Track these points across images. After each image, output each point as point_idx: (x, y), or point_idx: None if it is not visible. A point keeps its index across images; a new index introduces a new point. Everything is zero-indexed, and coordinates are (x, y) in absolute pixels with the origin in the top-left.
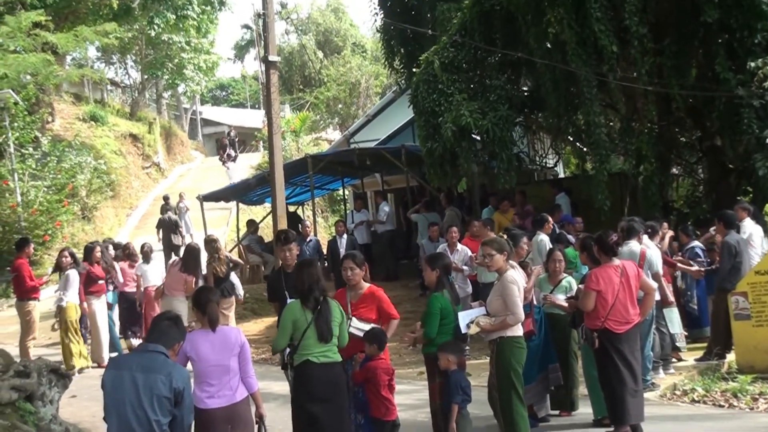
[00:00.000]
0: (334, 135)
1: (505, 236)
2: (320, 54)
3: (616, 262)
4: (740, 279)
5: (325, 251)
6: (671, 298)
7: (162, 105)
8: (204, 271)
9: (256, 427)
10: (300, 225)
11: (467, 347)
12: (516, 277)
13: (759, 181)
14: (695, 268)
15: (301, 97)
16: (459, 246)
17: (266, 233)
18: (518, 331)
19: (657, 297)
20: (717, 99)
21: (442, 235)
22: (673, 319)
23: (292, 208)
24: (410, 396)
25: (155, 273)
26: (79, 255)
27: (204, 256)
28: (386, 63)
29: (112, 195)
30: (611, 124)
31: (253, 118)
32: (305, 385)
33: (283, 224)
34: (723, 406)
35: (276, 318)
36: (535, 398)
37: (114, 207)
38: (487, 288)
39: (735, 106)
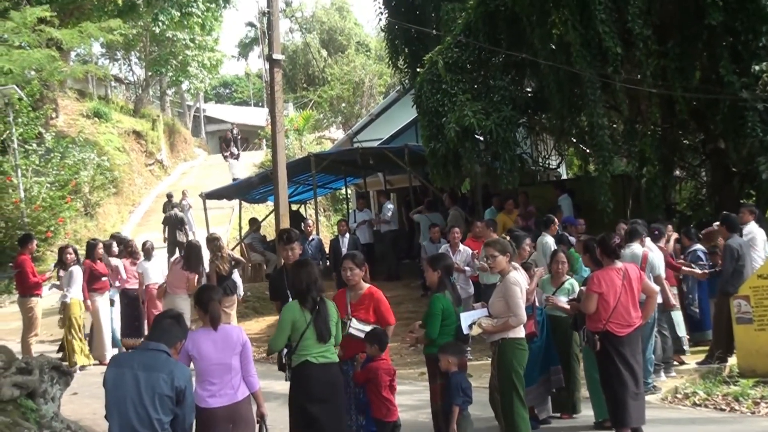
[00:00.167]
0: (338, 134)
1: (508, 237)
2: (324, 53)
3: (619, 264)
4: (743, 282)
5: (327, 250)
6: (673, 301)
7: (165, 102)
8: (207, 268)
9: (257, 426)
10: (303, 224)
11: (468, 348)
12: (518, 278)
13: (762, 185)
14: (700, 271)
15: (305, 96)
16: (461, 246)
17: (269, 232)
18: (520, 332)
19: (659, 300)
20: (721, 102)
21: (444, 236)
22: (680, 323)
23: (294, 207)
24: (411, 397)
25: (157, 270)
26: (81, 252)
27: (205, 253)
28: (390, 62)
29: (114, 192)
30: (614, 126)
31: (256, 116)
32: (304, 386)
33: (285, 223)
34: (724, 410)
35: (278, 317)
36: (536, 400)
37: (117, 204)
38: (489, 289)
39: (739, 109)
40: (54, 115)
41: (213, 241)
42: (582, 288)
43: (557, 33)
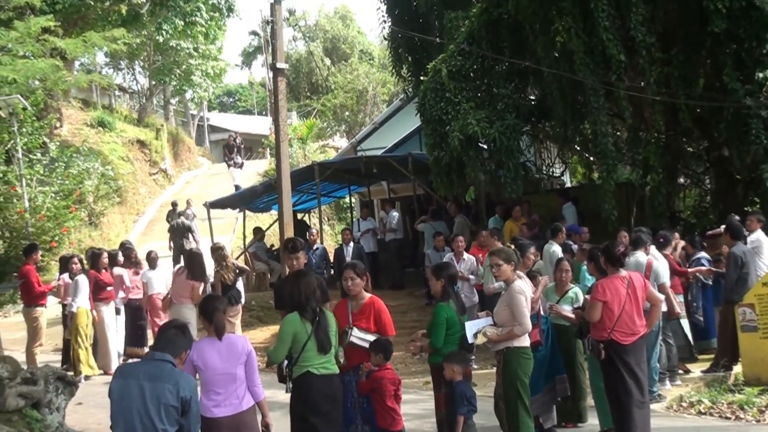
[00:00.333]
0: (341, 142)
1: (513, 246)
2: (328, 61)
3: (623, 273)
4: (747, 290)
5: (331, 259)
6: (678, 310)
7: (169, 111)
8: (211, 277)
9: None
10: (307, 233)
11: (473, 357)
12: (523, 287)
13: (766, 192)
14: (705, 267)
15: (308, 104)
16: (465, 255)
17: (273, 240)
18: (525, 341)
19: (664, 308)
20: (725, 109)
21: (448, 244)
22: (688, 330)
23: (300, 216)
24: (416, 406)
25: (160, 280)
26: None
27: (210, 263)
28: (394, 71)
29: (119, 201)
30: (618, 133)
31: (260, 125)
32: (305, 397)
33: (289, 232)
34: (729, 418)
35: None
36: (541, 409)
37: (121, 213)
38: (493, 298)
39: (743, 116)
40: (58, 124)
41: (217, 251)
42: (586, 296)
43: (560, 41)
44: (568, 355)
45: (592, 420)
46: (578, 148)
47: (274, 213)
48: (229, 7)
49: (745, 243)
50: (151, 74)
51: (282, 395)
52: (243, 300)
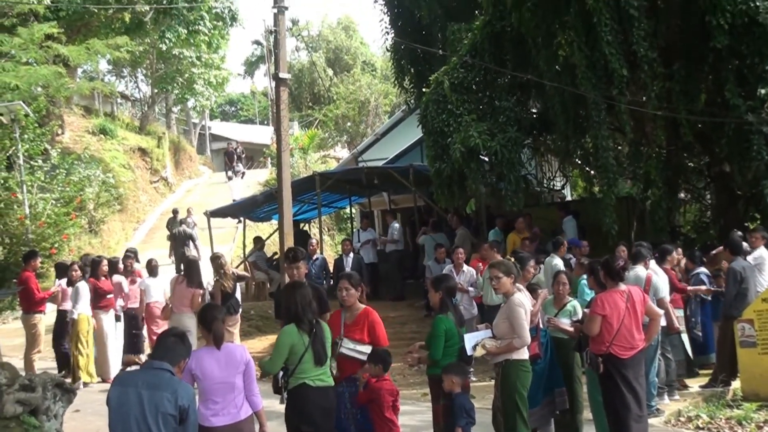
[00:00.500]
0: (343, 153)
1: (513, 259)
2: (330, 71)
3: (622, 287)
4: (746, 306)
5: (331, 269)
6: (677, 325)
7: (171, 119)
8: (210, 286)
9: None
10: (307, 243)
11: (471, 369)
12: (523, 300)
13: (767, 208)
14: (704, 287)
15: (310, 115)
16: (465, 267)
17: (273, 250)
18: (524, 354)
19: (663, 323)
20: (726, 125)
21: (449, 256)
22: (688, 344)
23: (302, 226)
24: (414, 417)
25: (159, 289)
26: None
27: (209, 273)
28: (396, 82)
29: (119, 209)
30: (619, 147)
31: (261, 134)
32: (300, 408)
33: (290, 241)
34: None
35: None
36: (539, 422)
37: (121, 221)
38: (492, 310)
39: (744, 132)
40: (60, 131)
41: (216, 260)
42: (585, 310)
43: (563, 54)
44: (566, 368)
45: None
46: (579, 162)
47: (274, 222)
48: (232, 16)
49: (746, 258)
50: (153, 82)
51: (280, 406)
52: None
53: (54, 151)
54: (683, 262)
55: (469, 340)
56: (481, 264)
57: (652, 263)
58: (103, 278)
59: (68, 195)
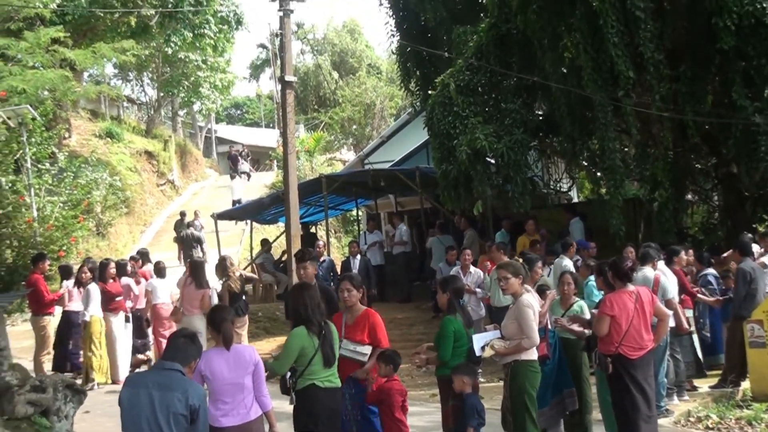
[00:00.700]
0: (349, 156)
1: (521, 260)
2: (335, 74)
3: (631, 287)
4: (756, 306)
5: (339, 272)
6: (686, 325)
7: (177, 123)
8: (218, 288)
9: None
10: (315, 245)
11: (480, 370)
12: (531, 300)
13: None
14: (713, 298)
15: (316, 117)
16: (472, 268)
17: (280, 252)
18: (533, 354)
19: (672, 324)
20: (733, 126)
21: (459, 258)
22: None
23: (311, 228)
24: (422, 418)
25: (165, 290)
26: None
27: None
28: (402, 85)
29: (126, 212)
30: (626, 149)
31: (267, 138)
32: (309, 409)
33: (297, 244)
34: None
35: None
36: (548, 422)
37: (128, 224)
38: (500, 311)
39: (752, 133)
40: (67, 135)
41: (222, 261)
42: (593, 311)
43: (569, 56)
44: (574, 369)
45: None
46: (586, 164)
47: (281, 225)
48: (237, 19)
49: (754, 259)
50: (159, 86)
51: (290, 406)
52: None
53: (61, 155)
54: (691, 259)
55: (478, 340)
56: (489, 264)
57: (661, 264)
58: (111, 281)
59: (76, 198)
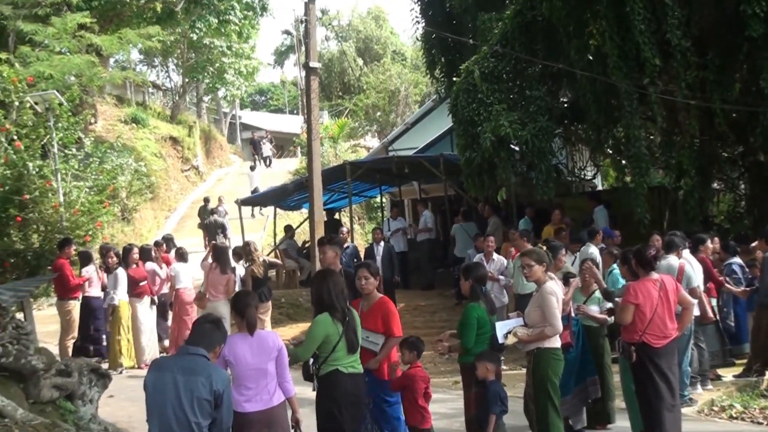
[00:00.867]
0: (373, 142)
1: (545, 247)
2: (360, 61)
3: (655, 276)
4: None
5: (362, 258)
6: (711, 314)
7: (202, 109)
8: (242, 271)
9: (292, 431)
10: (338, 231)
11: (502, 357)
12: (554, 288)
13: None
14: (740, 289)
15: (340, 104)
16: (495, 255)
17: (304, 238)
18: (556, 342)
19: (696, 312)
20: (761, 114)
21: None
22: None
23: (335, 215)
24: (444, 405)
25: (187, 275)
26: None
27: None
28: (426, 71)
29: (151, 197)
30: (651, 137)
31: (291, 124)
32: (333, 394)
33: (320, 230)
34: (761, 423)
35: None
36: (571, 411)
37: (153, 209)
38: (524, 298)
39: None
40: (93, 120)
41: (246, 247)
42: (618, 299)
43: (594, 44)
44: (596, 356)
45: (620, 422)
46: (610, 151)
47: (304, 211)
48: (262, 6)
49: None
50: (184, 72)
51: (312, 392)
52: None
53: (87, 140)
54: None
55: (501, 328)
56: (513, 250)
57: (686, 253)
58: (134, 266)
59: (101, 183)
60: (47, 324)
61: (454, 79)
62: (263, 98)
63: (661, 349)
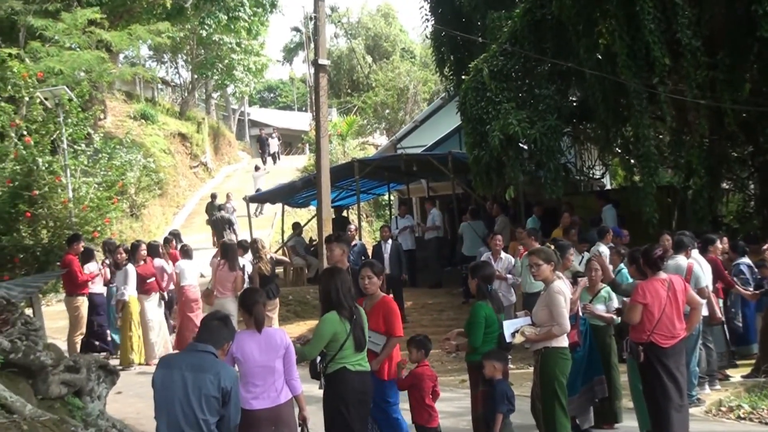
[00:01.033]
0: (381, 140)
1: (553, 247)
2: (369, 58)
3: (663, 275)
4: None
5: (370, 256)
6: (719, 315)
7: (211, 105)
8: (250, 268)
9: (299, 429)
10: (346, 229)
11: (510, 356)
12: (562, 287)
13: None
14: (750, 292)
15: (349, 101)
16: (503, 254)
17: (311, 236)
18: (563, 341)
19: (704, 313)
20: None
21: None
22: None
23: (344, 212)
24: (451, 404)
25: (193, 272)
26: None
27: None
28: (435, 69)
29: (160, 193)
30: (660, 136)
31: (300, 121)
32: (340, 392)
33: (328, 227)
34: None
35: None
36: (578, 410)
37: (161, 205)
38: (532, 297)
39: None
40: (102, 116)
41: (253, 244)
42: (626, 299)
43: (603, 43)
44: (603, 355)
45: (627, 422)
46: (619, 151)
47: (312, 208)
48: (272, 2)
49: None
50: (193, 68)
51: (318, 390)
52: None
53: (96, 136)
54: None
55: (509, 327)
56: (521, 248)
57: (695, 252)
58: (142, 262)
59: (110, 179)
60: (56, 320)
61: (463, 77)
62: (272, 95)
63: (670, 349)
